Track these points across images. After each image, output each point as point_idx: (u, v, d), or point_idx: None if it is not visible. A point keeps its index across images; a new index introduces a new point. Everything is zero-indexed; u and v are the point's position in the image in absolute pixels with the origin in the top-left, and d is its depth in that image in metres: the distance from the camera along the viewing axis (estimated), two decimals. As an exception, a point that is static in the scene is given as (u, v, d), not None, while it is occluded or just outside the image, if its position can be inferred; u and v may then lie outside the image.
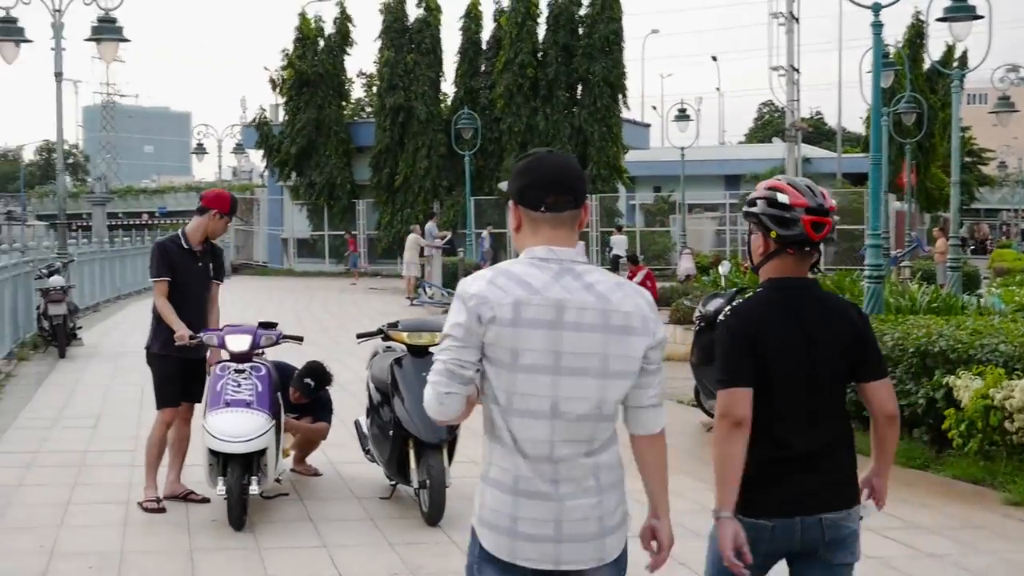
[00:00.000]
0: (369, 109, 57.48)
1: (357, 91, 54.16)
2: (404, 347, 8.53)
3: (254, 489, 7.84)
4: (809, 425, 4.03)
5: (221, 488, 7.82)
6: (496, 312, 3.50)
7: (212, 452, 7.87)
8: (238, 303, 29.50)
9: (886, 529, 7.99)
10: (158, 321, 8.41)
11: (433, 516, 8.00)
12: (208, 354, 8.55)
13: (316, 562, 7.24)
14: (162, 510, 8.31)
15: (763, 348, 3.99)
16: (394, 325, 8.65)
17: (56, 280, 17.85)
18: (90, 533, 7.78)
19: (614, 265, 36.17)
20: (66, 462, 9.93)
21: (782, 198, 4.02)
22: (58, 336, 17.47)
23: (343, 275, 45.35)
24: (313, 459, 9.66)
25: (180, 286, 8.41)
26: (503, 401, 3.55)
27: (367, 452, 9.17)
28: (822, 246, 4.12)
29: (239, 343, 8.26)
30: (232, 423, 7.81)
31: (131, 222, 71.32)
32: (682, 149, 39.90)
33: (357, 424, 9.43)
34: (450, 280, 30.40)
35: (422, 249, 32.28)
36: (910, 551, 7.65)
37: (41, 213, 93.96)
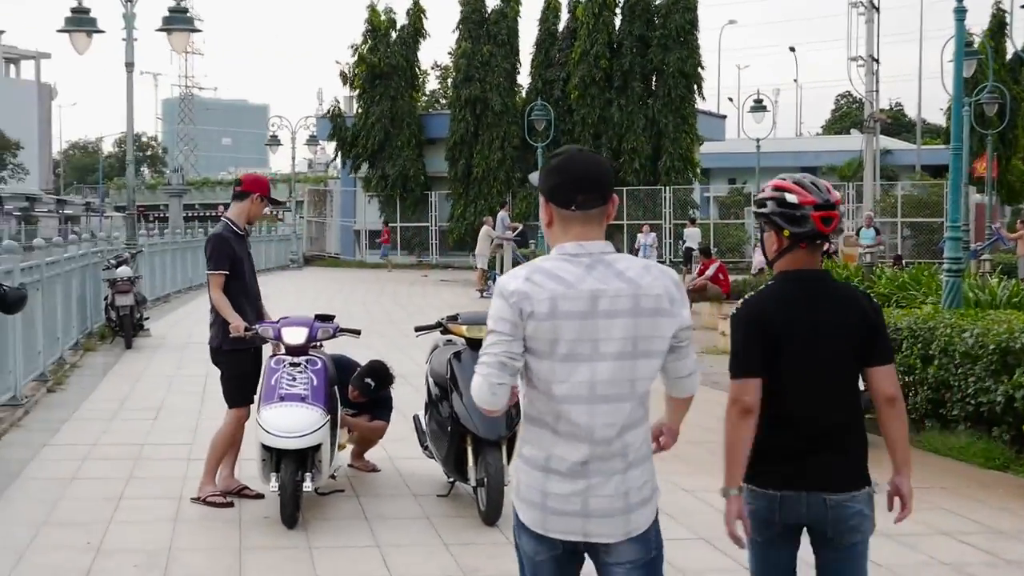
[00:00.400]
0: (443, 100, 57.52)
1: (430, 83, 54.10)
2: (463, 341, 8.27)
3: (308, 486, 7.61)
4: (818, 407, 4.25)
5: (274, 485, 7.61)
6: (535, 307, 3.73)
7: (265, 447, 7.65)
8: (308, 293, 29.55)
9: (963, 534, 7.63)
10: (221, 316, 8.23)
11: (490, 515, 7.74)
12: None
13: (367, 562, 6.99)
14: (230, 504, 8.13)
15: (774, 336, 4.23)
16: (453, 318, 8.39)
17: (123, 271, 17.82)
18: (140, 529, 7.60)
19: (686, 258, 35.67)
20: (123, 455, 9.80)
21: (791, 198, 4.28)
22: (124, 327, 17.45)
23: (415, 267, 45.34)
24: (372, 454, 9.43)
25: (239, 276, 8.22)
26: (543, 388, 3.78)
27: (425, 448, 8.93)
28: (832, 236, 4.44)
29: (295, 336, 8.03)
30: (286, 418, 7.58)
31: (207, 213, 71.97)
32: (758, 140, 39.32)
33: (416, 419, 9.19)
34: (521, 273, 30.00)
35: (493, 241, 31.98)
36: (988, 557, 7.25)
37: (119, 204, 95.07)
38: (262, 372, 8.10)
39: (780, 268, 4.37)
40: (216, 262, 8.12)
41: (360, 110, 47.65)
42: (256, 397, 7.99)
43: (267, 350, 8.39)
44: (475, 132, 45.65)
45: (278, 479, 7.56)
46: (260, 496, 8.16)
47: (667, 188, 43.49)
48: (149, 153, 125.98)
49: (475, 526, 7.78)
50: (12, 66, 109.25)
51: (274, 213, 74.36)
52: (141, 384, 13.84)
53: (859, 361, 4.31)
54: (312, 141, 54.33)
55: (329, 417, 7.77)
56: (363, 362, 9.13)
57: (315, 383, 7.80)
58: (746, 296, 4.44)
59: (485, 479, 7.73)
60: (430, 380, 8.70)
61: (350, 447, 9.29)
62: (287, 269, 43.58)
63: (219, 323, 8.18)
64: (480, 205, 44.19)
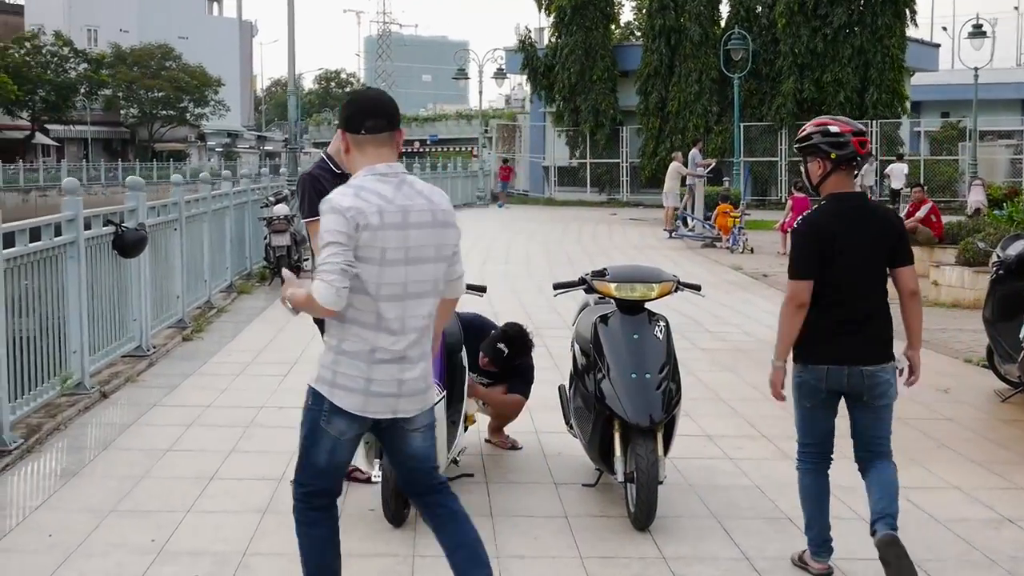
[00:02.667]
0: (637, 34, 55.57)
1: (624, 14, 52.17)
2: (612, 301, 6.78)
3: (418, 476, 6.25)
4: (858, 300, 5.37)
5: (377, 475, 6.30)
6: (369, 219, 4.30)
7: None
8: (489, 233, 28.38)
9: None
10: None
11: (641, 518, 6.27)
12: None
13: (479, 581, 5.59)
14: (368, 480, 6.84)
15: (828, 245, 5.32)
16: (600, 273, 6.86)
17: (280, 208, 16.81)
18: (219, 522, 6.35)
19: (893, 196, 33.24)
20: (234, 420, 8.65)
21: (833, 129, 5.39)
22: (280, 268, 16.42)
23: (604, 204, 43.84)
24: (516, 427, 8.05)
25: None
26: (373, 291, 4.35)
27: (570, 426, 7.50)
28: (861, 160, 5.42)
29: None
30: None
31: (403, 150, 71.51)
32: (975, 69, 36.35)
33: (561, 391, 7.78)
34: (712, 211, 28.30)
35: (683, 178, 30.25)
36: None
37: (318, 141, 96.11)
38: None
39: (827, 191, 5.46)
40: (310, 207, 6.73)
41: (553, 40, 46.17)
42: None
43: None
44: (670, 64, 43.69)
45: (382, 468, 6.24)
46: (370, 480, 6.81)
47: (874, 122, 40.82)
48: (348, 90, 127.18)
49: (622, 530, 6.32)
50: (215, 3, 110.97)
51: (470, 150, 73.78)
52: (284, 333, 12.73)
53: (888, 263, 5.43)
54: (499, 74, 52.99)
55: (445, 392, 6.38)
56: (514, 321, 7.76)
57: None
58: (805, 214, 5.47)
59: (635, 474, 6.26)
60: (576, 347, 7.27)
61: (484, 419, 7.92)
62: (473, 206, 42.59)
63: None
64: (674, 140, 42.41)
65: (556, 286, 7.27)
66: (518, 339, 7.59)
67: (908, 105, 43.83)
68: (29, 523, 6.32)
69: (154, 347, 11.20)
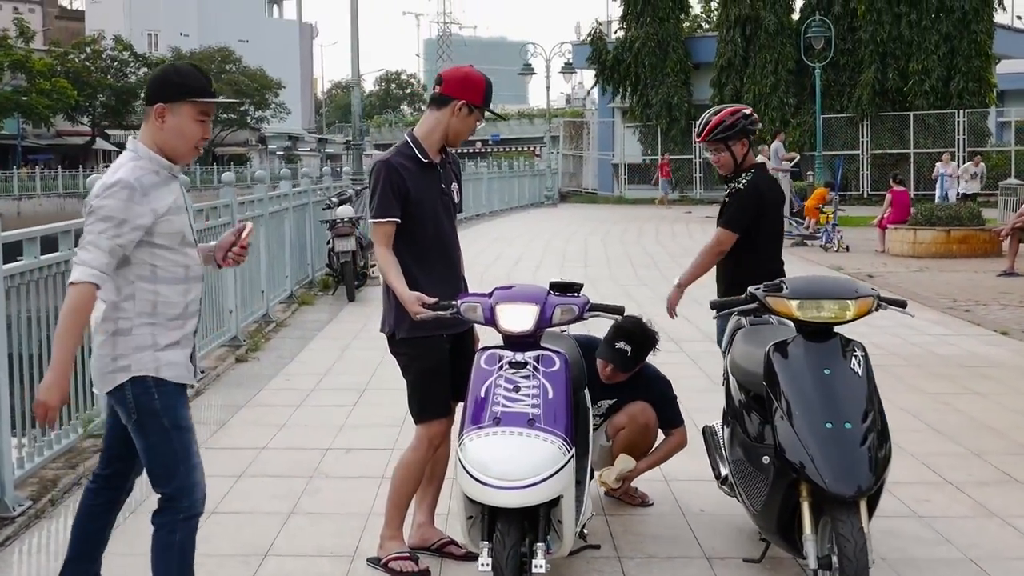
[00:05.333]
0: (706, 25, 53.76)
1: (694, 7, 50.34)
2: (791, 323, 5.09)
3: (540, 566, 4.56)
4: (776, 254, 6.65)
5: (485, 561, 4.65)
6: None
7: (472, 501, 4.70)
8: (561, 234, 26.77)
9: None
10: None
11: (843, 622, 4.58)
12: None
13: None
14: (424, 573, 5.30)
15: (764, 207, 6.46)
16: (775, 287, 5.15)
17: (344, 210, 15.25)
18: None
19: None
20: (290, 469, 7.04)
21: (746, 111, 6.56)
22: (345, 275, 14.91)
23: (678, 203, 42.09)
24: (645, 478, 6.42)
25: (419, 223, 5.25)
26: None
27: (723, 481, 5.85)
28: None
29: (518, 318, 4.92)
30: (504, 454, 4.56)
31: (464, 150, 70.10)
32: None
33: (708, 434, 6.12)
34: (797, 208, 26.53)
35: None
36: None
37: (379, 143, 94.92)
38: (469, 372, 5.10)
39: (750, 164, 6.51)
40: (380, 205, 5.19)
41: (623, 32, 44.48)
42: (460, 415, 5.01)
43: (480, 332, 5.47)
44: (745, 55, 41.88)
45: (491, 552, 4.61)
46: (471, 557, 5.14)
47: (960, 112, 38.74)
48: (408, 91, 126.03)
49: (812, 636, 4.66)
50: (275, 6, 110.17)
51: (532, 149, 72.06)
52: (351, 351, 11.16)
53: None
54: (568, 68, 51.26)
55: (574, 450, 4.75)
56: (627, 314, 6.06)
57: (550, 395, 4.75)
58: (749, 177, 6.46)
59: (834, 559, 4.58)
60: (732, 380, 5.62)
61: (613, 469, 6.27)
62: (541, 206, 40.97)
63: (392, 298, 5.28)
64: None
65: (714, 305, 5.53)
66: (639, 334, 5.99)
67: (995, 94, 41.64)
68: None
69: (203, 372, 9.67)
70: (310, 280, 16.19)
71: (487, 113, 5.37)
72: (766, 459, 4.91)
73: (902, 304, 5.26)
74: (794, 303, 4.94)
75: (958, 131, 39.21)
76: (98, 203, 4.08)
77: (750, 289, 5.20)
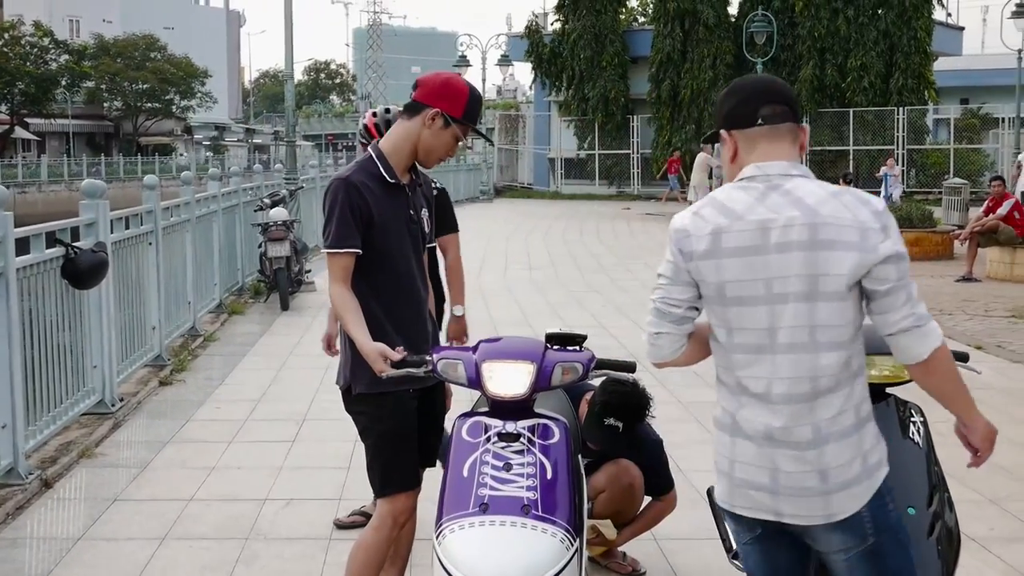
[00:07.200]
0: (642, 19, 53.19)
1: (631, -2, 49.65)
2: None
3: None
4: None
5: (467, 678, 3.76)
6: (694, 246, 3.12)
7: (454, 602, 3.79)
8: (500, 232, 25.91)
9: None
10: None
11: None
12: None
13: None
14: None
15: None
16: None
17: (278, 212, 14.25)
18: None
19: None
20: (221, 529, 6.06)
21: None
22: (279, 283, 13.90)
23: (614, 198, 41.38)
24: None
25: (383, 255, 4.30)
26: (723, 339, 3.15)
27: (734, 556, 5.01)
28: None
29: (511, 380, 3.98)
30: (494, 550, 3.65)
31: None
32: (1020, 52, 33.80)
33: (714, 495, 5.26)
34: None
35: (711, 170, 27.87)
36: None
37: (307, 133, 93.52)
38: (447, 438, 4.18)
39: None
40: (338, 233, 4.21)
41: (559, 23, 43.70)
42: (439, 498, 4.07)
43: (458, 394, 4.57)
44: (683, 49, 41.20)
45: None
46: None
47: (900, 109, 38.39)
48: (338, 81, 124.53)
49: None
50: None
51: (470, 144, 71.16)
52: (287, 371, 10.21)
53: None
54: (504, 61, 50.41)
55: (579, 542, 3.86)
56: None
57: (549, 474, 3.86)
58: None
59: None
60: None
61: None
62: (476, 201, 40.07)
63: (349, 347, 4.35)
64: (688, 130, 40.03)
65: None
66: (633, 404, 5.04)
67: (935, 92, 41.41)
68: None
69: (121, 399, 8.67)
70: (240, 287, 15.17)
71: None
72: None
73: (964, 358, 4.33)
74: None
75: (897, 128, 38.87)
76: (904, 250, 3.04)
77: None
